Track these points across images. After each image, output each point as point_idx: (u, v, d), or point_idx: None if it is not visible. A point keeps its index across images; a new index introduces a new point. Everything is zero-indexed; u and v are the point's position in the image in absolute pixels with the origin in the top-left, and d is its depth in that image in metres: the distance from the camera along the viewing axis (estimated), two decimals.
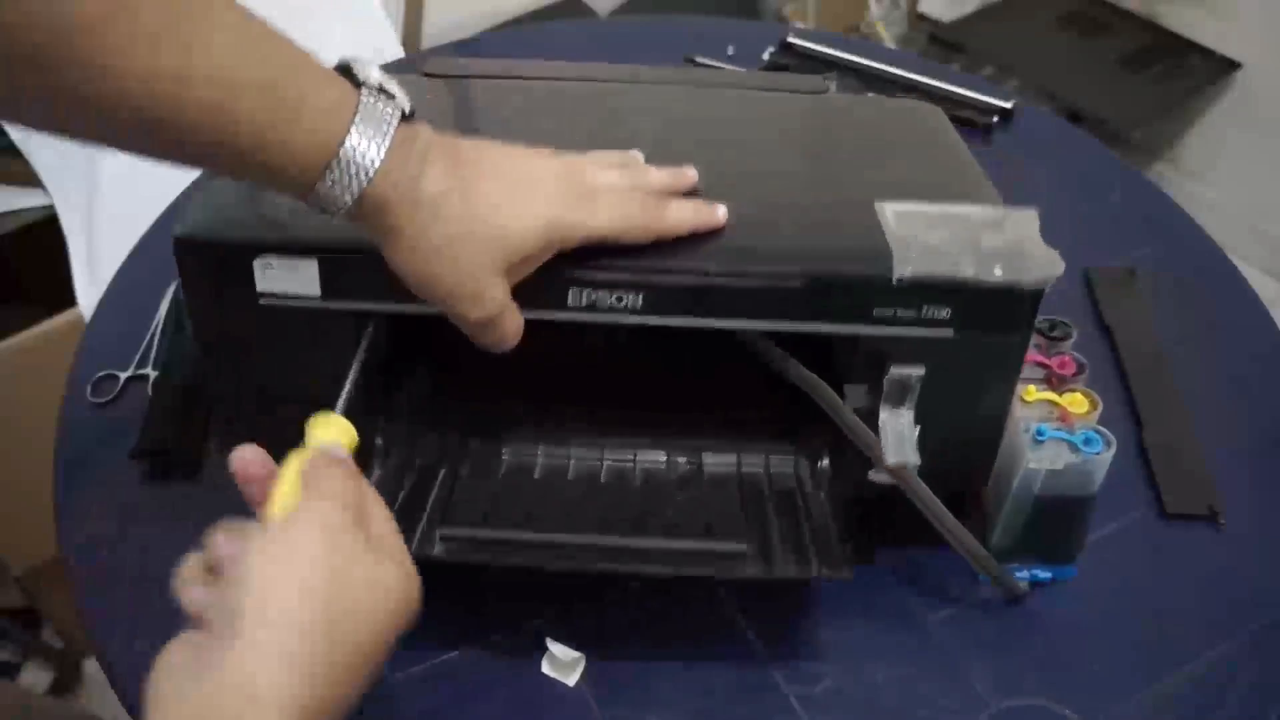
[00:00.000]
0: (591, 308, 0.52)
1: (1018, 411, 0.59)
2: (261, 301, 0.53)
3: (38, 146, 1.20)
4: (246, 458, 0.45)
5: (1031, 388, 0.60)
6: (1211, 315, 0.81)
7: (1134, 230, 0.88)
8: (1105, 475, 0.58)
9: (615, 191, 0.53)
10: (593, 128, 0.65)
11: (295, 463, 0.45)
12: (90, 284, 1.13)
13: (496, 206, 0.48)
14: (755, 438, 0.61)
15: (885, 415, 0.55)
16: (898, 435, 0.55)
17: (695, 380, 0.55)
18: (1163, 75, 1.83)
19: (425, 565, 0.51)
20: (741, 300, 0.53)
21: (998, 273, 0.52)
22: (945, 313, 0.53)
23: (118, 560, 0.64)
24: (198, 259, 0.53)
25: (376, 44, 1.34)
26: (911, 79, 1.00)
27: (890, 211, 0.55)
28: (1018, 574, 0.62)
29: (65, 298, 1.15)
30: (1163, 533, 0.67)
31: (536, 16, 1.88)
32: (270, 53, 0.44)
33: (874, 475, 0.56)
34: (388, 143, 0.45)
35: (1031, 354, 0.62)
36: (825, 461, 0.60)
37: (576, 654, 0.59)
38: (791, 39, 1.06)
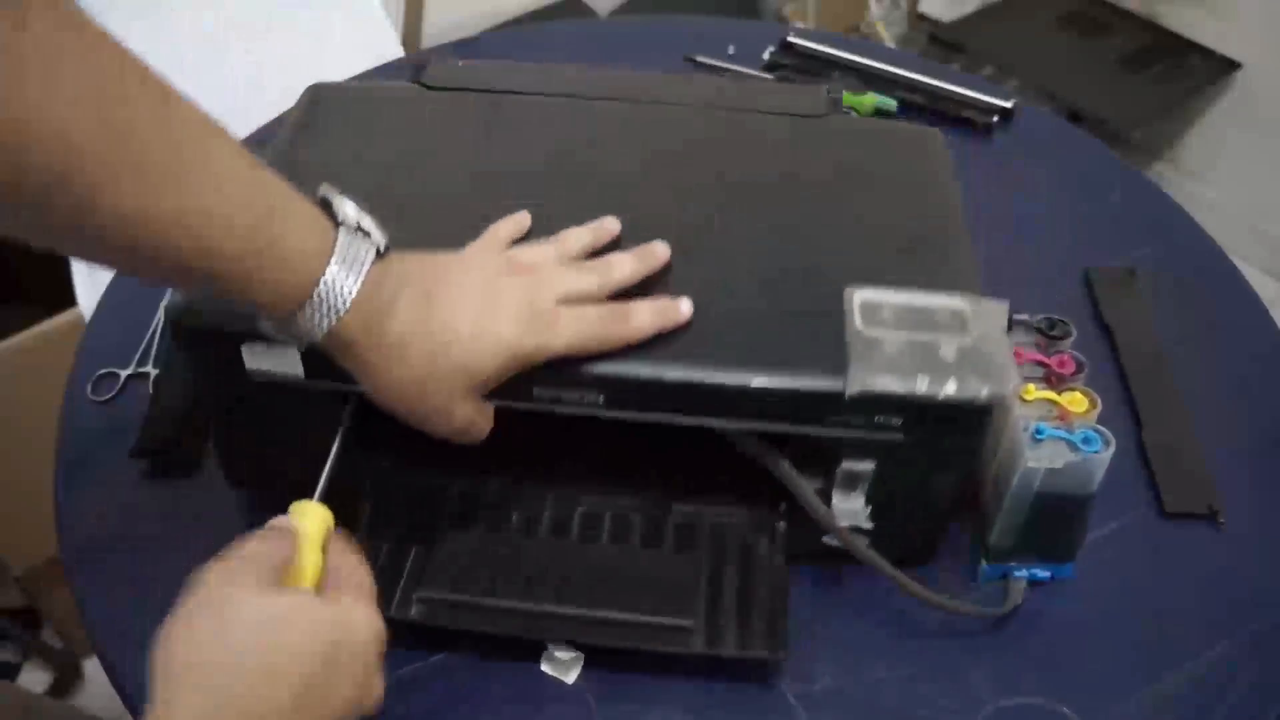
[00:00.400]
0: (556, 401, 0.55)
1: (1017, 410, 0.59)
2: (251, 377, 0.56)
3: None
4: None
5: (1031, 386, 0.60)
6: (1211, 315, 0.81)
7: (1134, 230, 0.88)
8: (1104, 474, 0.58)
9: (579, 304, 0.54)
10: (577, 162, 0.66)
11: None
12: (90, 284, 1.13)
13: (461, 338, 0.50)
14: (720, 494, 0.63)
15: (837, 499, 0.58)
16: (849, 513, 0.57)
17: (665, 441, 0.57)
18: (1163, 75, 1.83)
19: (407, 625, 0.56)
20: (697, 402, 0.54)
21: (950, 389, 0.52)
22: (897, 421, 0.54)
23: (118, 560, 0.64)
24: (190, 339, 0.56)
25: (376, 44, 1.34)
26: (911, 79, 1.00)
27: (858, 302, 0.56)
28: (1016, 573, 0.62)
29: (65, 298, 1.15)
30: (1162, 532, 0.67)
31: (536, 16, 1.88)
32: (258, 191, 0.45)
33: (828, 539, 0.58)
34: (359, 284, 0.47)
35: (1031, 353, 0.62)
36: (783, 523, 0.62)
37: (575, 652, 0.59)
38: (791, 39, 1.06)
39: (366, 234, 0.48)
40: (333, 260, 0.47)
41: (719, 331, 0.55)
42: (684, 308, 0.55)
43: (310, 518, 0.50)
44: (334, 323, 0.47)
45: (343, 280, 0.47)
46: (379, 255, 0.48)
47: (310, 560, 0.48)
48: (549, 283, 0.54)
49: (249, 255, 0.45)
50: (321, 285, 0.46)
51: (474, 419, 0.53)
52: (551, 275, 0.54)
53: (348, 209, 0.48)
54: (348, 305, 0.47)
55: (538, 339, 0.52)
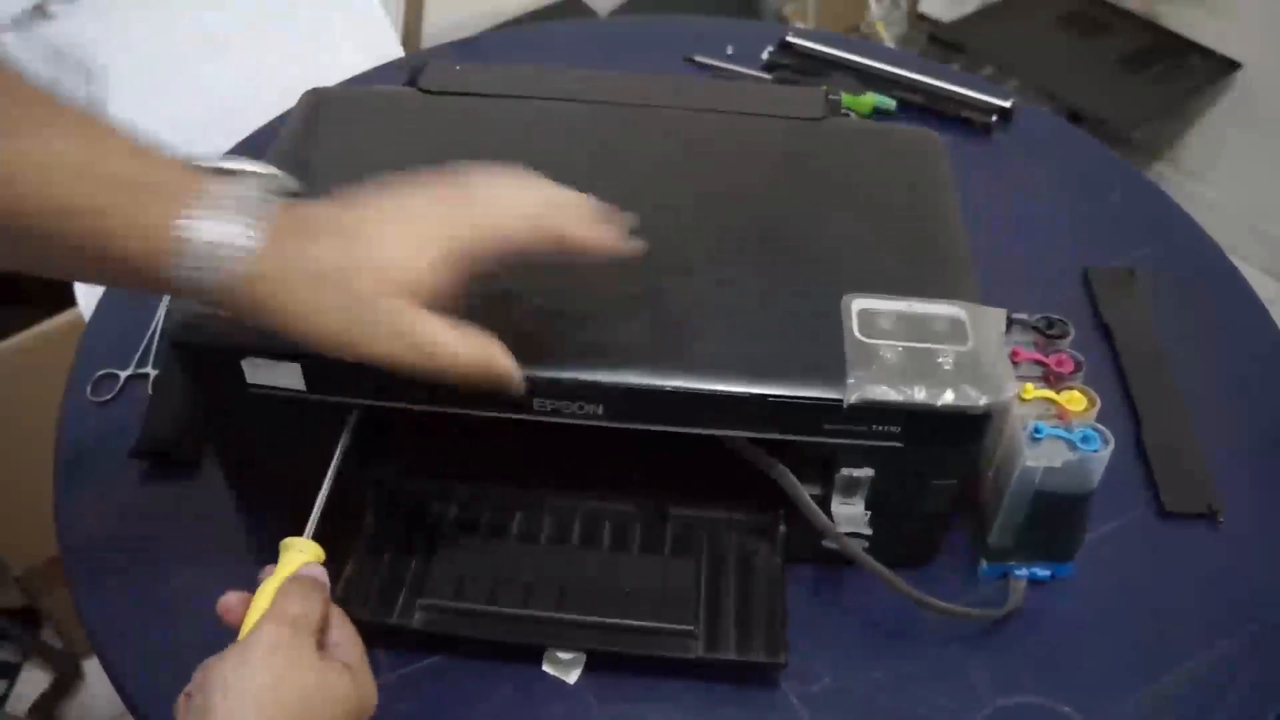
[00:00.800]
0: (555, 413, 0.55)
1: (1016, 409, 0.59)
2: (252, 391, 0.56)
3: None
4: (230, 604, 0.48)
5: (1029, 385, 0.60)
6: (1211, 315, 0.81)
7: (1134, 230, 0.88)
8: (1104, 474, 0.58)
9: (511, 186, 0.50)
10: (573, 168, 0.65)
11: (266, 591, 0.48)
12: (90, 284, 1.13)
13: (385, 245, 0.46)
14: (719, 499, 0.63)
15: (836, 504, 0.58)
16: (848, 518, 0.58)
17: (663, 447, 0.57)
18: (1163, 75, 1.83)
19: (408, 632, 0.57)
20: (696, 411, 0.55)
21: (948, 398, 0.53)
22: (895, 429, 0.54)
23: (117, 560, 0.64)
24: (191, 357, 0.57)
25: (376, 44, 1.34)
26: (911, 79, 1.00)
27: (856, 309, 0.56)
28: (1016, 573, 0.62)
29: (65, 298, 1.15)
30: (1162, 532, 0.67)
31: (536, 16, 1.88)
32: (116, 148, 0.44)
33: (827, 543, 0.58)
34: (253, 225, 0.44)
35: (1029, 352, 0.62)
36: (782, 527, 0.62)
37: (577, 652, 0.59)
38: (791, 39, 1.06)
39: (256, 175, 0.47)
40: (211, 208, 0.44)
41: (717, 341, 0.55)
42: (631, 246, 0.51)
43: (301, 553, 0.51)
44: (226, 270, 0.43)
45: (232, 224, 0.43)
46: (277, 200, 0.45)
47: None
48: (475, 177, 0.50)
49: (116, 211, 0.43)
50: (202, 232, 0.43)
51: (432, 333, 0.46)
52: (479, 173, 0.50)
53: (245, 165, 0.47)
54: (248, 248, 0.43)
55: (472, 214, 0.47)
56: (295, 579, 0.49)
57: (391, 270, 0.45)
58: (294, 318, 0.45)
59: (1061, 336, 0.63)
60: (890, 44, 2.05)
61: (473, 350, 0.48)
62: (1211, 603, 0.63)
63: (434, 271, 0.46)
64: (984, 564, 0.63)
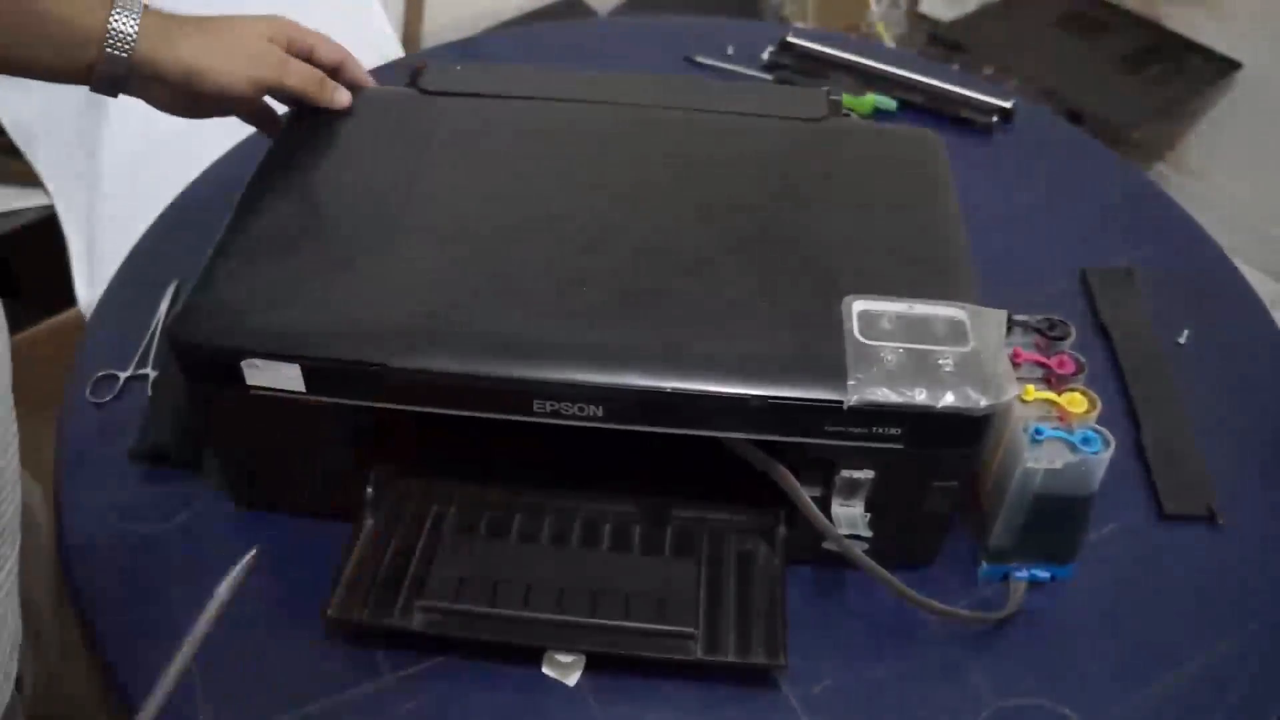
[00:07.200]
0: (556, 414, 0.55)
1: (1017, 411, 0.59)
2: (251, 392, 0.56)
3: (38, 146, 1.19)
4: None
5: (1030, 387, 0.60)
6: (1211, 315, 0.81)
7: (1134, 230, 0.88)
8: (1104, 475, 0.58)
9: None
10: (573, 168, 0.67)
11: None
12: (90, 284, 1.13)
13: (233, 27, 0.66)
14: (719, 500, 0.63)
15: (836, 506, 0.58)
16: (849, 520, 0.58)
17: (664, 448, 0.58)
18: (1163, 75, 1.83)
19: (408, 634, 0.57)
20: (696, 413, 0.55)
21: (948, 399, 0.53)
22: (895, 430, 0.54)
23: (118, 560, 0.64)
24: (190, 358, 0.57)
25: (376, 44, 1.34)
26: (911, 79, 1.00)
27: (856, 311, 0.56)
28: (1016, 574, 0.62)
29: (65, 298, 1.15)
30: (1161, 533, 0.67)
31: (536, 16, 1.88)
32: None
33: (827, 545, 0.58)
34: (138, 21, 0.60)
35: (1030, 354, 0.62)
36: (782, 529, 0.62)
37: (576, 655, 0.59)
38: (791, 39, 1.06)
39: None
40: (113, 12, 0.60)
41: (717, 342, 0.55)
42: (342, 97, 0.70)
43: None
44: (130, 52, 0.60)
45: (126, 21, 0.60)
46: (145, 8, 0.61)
47: None
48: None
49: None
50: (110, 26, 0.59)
51: (279, 56, 0.66)
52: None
53: None
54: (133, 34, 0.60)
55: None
56: None
57: (241, 36, 0.65)
58: (175, 62, 0.62)
59: (1063, 338, 0.63)
60: (890, 44, 2.05)
61: (306, 72, 0.68)
62: (1211, 603, 0.63)
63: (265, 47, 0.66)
64: (984, 565, 0.63)
